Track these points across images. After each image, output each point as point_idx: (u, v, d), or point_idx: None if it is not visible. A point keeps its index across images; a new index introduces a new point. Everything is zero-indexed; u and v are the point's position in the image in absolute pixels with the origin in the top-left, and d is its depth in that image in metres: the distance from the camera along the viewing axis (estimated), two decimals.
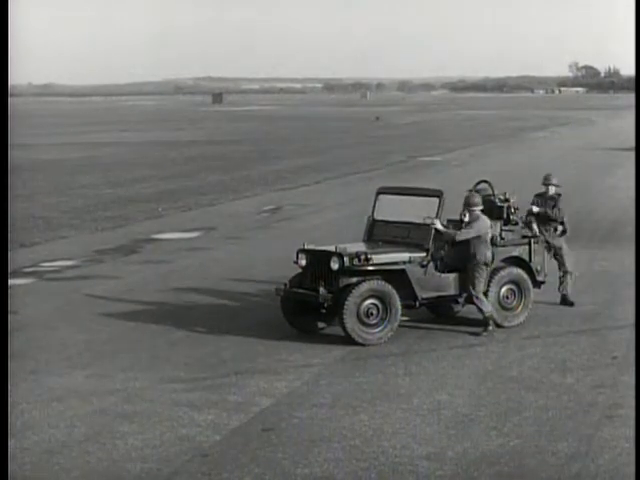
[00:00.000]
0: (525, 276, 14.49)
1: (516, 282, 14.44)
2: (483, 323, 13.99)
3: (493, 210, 14.62)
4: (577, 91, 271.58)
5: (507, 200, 14.79)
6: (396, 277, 13.56)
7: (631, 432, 9.63)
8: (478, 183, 15.18)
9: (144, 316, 15.20)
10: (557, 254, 15.61)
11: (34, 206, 29.33)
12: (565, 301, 15.57)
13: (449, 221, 14.89)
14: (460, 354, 12.96)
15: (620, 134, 61.81)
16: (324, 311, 13.82)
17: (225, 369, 12.28)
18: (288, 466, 9.08)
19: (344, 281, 13.46)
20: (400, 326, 13.63)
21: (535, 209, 15.53)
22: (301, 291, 13.90)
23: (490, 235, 14.08)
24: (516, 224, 14.80)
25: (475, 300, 13.94)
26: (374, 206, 14.77)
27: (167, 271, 19.22)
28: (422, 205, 14.17)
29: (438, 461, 9.13)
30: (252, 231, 24.76)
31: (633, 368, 11.73)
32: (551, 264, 15.36)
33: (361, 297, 13.27)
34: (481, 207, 14.13)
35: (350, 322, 13.20)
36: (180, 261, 20.41)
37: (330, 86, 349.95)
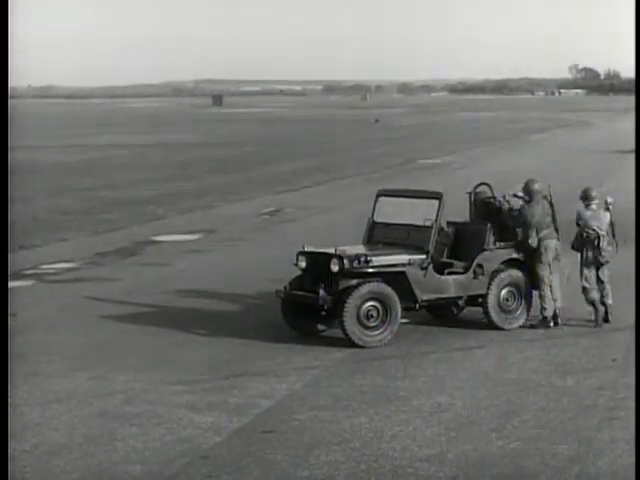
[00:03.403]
0: (524, 278, 14.48)
1: (516, 284, 14.44)
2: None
3: (492, 212, 14.63)
4: (577, 93, 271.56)
5: (507, 202, 14.77)
6: (396, 279, 13.56)
7: (631, 434, 9.63)
8: (478, 185, 15.17)
9: (144, 318, 15.20)
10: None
11: (34, 208, 29.33)
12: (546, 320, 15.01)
13: (449, 223, 14.90)
14: (460, 356, 12.96)
15: (620, 136, 61.78)
16: (324, 313, 13.82)
17: (225, 371, 12.28)
18: (288, 468, 9.08)
19: (344, 283, 13.45)
20: (400, 328, 13.64)
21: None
22: (301, 293, 13.89)
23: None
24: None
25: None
26: (374, 208, 14.78)
27: (167, 273, 19.23)
28: (422, 207, 14.17)
29: (438, 463, 9.13)
30: (252, 233, 24.77)
31: (633, 370, 11.72)
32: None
33: (361, 299, 13.26)
34: (598, 201, 14.12)
35: (350, 324, 13.20)
36: (180, 263, 20.42)
37: (330, 88, 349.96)
